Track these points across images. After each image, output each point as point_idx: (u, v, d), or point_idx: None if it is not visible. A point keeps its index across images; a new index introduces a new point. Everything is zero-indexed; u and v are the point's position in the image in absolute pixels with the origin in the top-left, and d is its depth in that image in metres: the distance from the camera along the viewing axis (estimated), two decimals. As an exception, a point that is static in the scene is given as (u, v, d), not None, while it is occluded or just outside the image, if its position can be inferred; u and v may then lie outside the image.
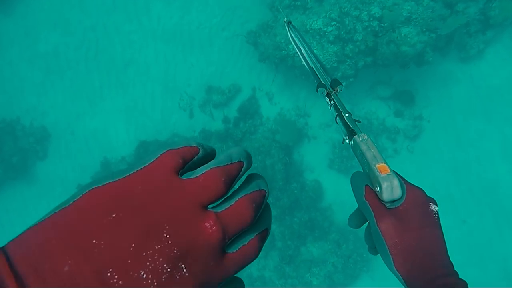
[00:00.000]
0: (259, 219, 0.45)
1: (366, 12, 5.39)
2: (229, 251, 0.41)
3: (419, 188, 0.75)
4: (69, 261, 0.32)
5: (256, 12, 7.25)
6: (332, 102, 0.88)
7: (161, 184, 0.40)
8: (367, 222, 0.76)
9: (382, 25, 5.36)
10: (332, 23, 5.53)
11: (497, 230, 6.38)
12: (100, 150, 7.69)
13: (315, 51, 6.05)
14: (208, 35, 7.56)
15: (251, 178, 0.49)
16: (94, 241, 0.33)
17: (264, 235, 0.46)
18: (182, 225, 0.38)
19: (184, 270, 0.37)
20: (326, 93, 0.89)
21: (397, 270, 0.68)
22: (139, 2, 7.93)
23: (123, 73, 7.84)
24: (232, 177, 0.44)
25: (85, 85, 8.02)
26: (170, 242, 0.36)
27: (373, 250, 0.76)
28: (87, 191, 0.37)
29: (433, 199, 0.74)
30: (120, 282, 0.33)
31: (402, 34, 5.02)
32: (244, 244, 0.42)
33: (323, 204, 6.89)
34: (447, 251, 0.69)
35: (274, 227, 6.41)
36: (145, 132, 7.56)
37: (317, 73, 0.98)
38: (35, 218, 0.36)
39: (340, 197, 6.88)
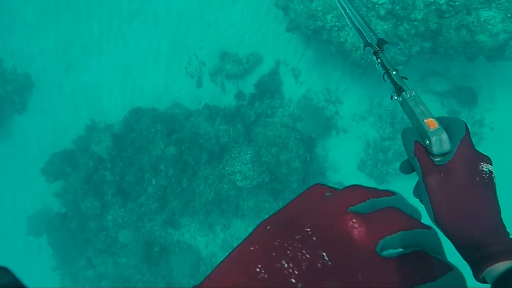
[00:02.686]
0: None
1: (432, -16, 4.71)
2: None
3: (472, 146, 0.78)
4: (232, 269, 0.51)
5: (293, -33, 6.58)
6: (379, 60, 0.99)
7: (312, 202, 0.60)
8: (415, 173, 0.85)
9: (452, 3, 4.67)
10: (386, -7, 4.87)
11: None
12: (88, 111, 7.45)
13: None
14: (232, -10, 6.98)
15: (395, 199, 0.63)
16: (251, 248, 0.52)
17: None
18: (321, 218, 0.55)
19: (326, 259, 0.49)
20: (373, 51, 1.01)
21: (437, 224, 0.77)
22: None
23: (128, 24, 7.44)
24: (376, 196, 0.60)
25: (82, 32, 7.68)
26: (309, 231, 0.52)
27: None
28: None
29: (487, 157, 0.79)
30: (265, 275, 0.48)
31: (481, 19, 4.34)
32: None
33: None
34: (497, 212, 0.74)
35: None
36: (142, 96, 7.23)
37: (363, 33, 1.10)
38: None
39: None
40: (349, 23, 1.21)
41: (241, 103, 6.75)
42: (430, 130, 0.79)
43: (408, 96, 0.87)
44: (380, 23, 5.02)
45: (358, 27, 1.17)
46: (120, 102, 7.25)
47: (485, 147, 6.10)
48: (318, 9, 5.49)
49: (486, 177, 0.76)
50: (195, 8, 7.11)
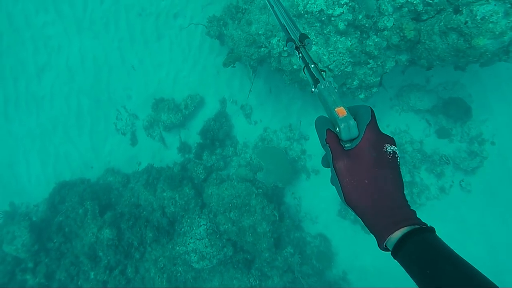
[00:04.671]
0: None
1: (401, -21, 3.32)
2: None
3: (377, 130, 0.84)
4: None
5: (222, -12, 5.15)
6: (300, 55, 1.04)
7: None
8: None
9: (430, 1, 3.30)
10: (343, 1, 3.45)
11: None
12: (4, 194, 5.66)
13: (312, 38, 4.03)
14: (155, 24, 5.46)
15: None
16: None
17: None
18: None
19: None
20: (295, 46, 1.06)
21: (347, 204, 0.84)
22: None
23: (37, 82, 5.76)
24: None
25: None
26: None
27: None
28: None
29: (391, 138, 0.84)
30: None
31: (478, 17, 2.95)
32: None
33: (334, 271, 4.93)
34: (399, 188, 0.82)
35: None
36: (68, 166, 5.55)
37: (288, 29, 1.15)
38: None
39: (359, 260, 4.94)
40: (275, 19, 1.21)
41: (187, 157, 5.18)
42: (339, 118, 0.82)
43: (323, 87, 0.89)
44: (341, 39, 3.58)
45: (283, 23, 1.17)
46: (42, 177, 5.53)
47: (489, 168, 4.74)
48: (260, 32, 4.02)
49: (390, 157, 0.82)
50: (114, 51, 5.52)
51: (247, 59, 4.14)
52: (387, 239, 0.77)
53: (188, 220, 4.42)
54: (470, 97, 4.75)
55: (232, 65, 4.25)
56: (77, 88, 5.64)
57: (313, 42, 3.78)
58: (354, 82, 3.85)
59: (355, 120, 0.83)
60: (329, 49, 3.64)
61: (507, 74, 4.81)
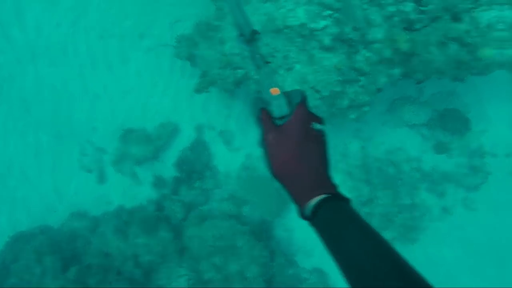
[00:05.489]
0: None
1: (390, -14, 3.03)
2: None
3: (306, 109, 0.92)
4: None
5: (191, 5, 4.80)
6: (249, 48, 1.11)
7: None
8: None
9: (424, 9, 3.02)
10: (326, 13, 3.13)
11: None
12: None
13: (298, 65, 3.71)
14: (119, 47, 5.04)
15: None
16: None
17: None
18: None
19: None
20: (245, 40, 1.09)
21: (272, 174, 0.90)
22: (4, 4, 5.29)
23: (-15, 117, 5.22)
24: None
25: None
26: None
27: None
28: None
29: (320, 118, 0.93)
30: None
31: (482, 25, 2.68)
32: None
33: (333, 310, 4.53)
34: (323, 162, 0.89)
35: None
36: (27, 213, 5.02)
37: (241, 26, 1.19)
38: None
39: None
40: (233, 16, 1.23)
41: (163, 192, 4.74)
42: (272, 96, 0.91)
43: (263, 71, 0.98)
44: (327, 56, 3.25)
45: (239, 22, 1.20)
46: (-8, 231, 4.96)
47: (492, 182, 4.47)
48: (235, 51, 3.67)
49: (315, 134, 0.90)
50: (73, 76, 5.07)
51: (222, 82, 3.77)
52: (304, 206, 0.82)
53: (166, 270, 3.95)
54: (467, 106, 4.50)
55: (205, 90, 3.86)
56: (34, 122, 5.14)
57: (295, 60, 3.44)
58: (344, 102, 3.52)
59: (288, 101, 0.91)
60: (314, 67, 3.31)
61: (500, 79, 4.59)
